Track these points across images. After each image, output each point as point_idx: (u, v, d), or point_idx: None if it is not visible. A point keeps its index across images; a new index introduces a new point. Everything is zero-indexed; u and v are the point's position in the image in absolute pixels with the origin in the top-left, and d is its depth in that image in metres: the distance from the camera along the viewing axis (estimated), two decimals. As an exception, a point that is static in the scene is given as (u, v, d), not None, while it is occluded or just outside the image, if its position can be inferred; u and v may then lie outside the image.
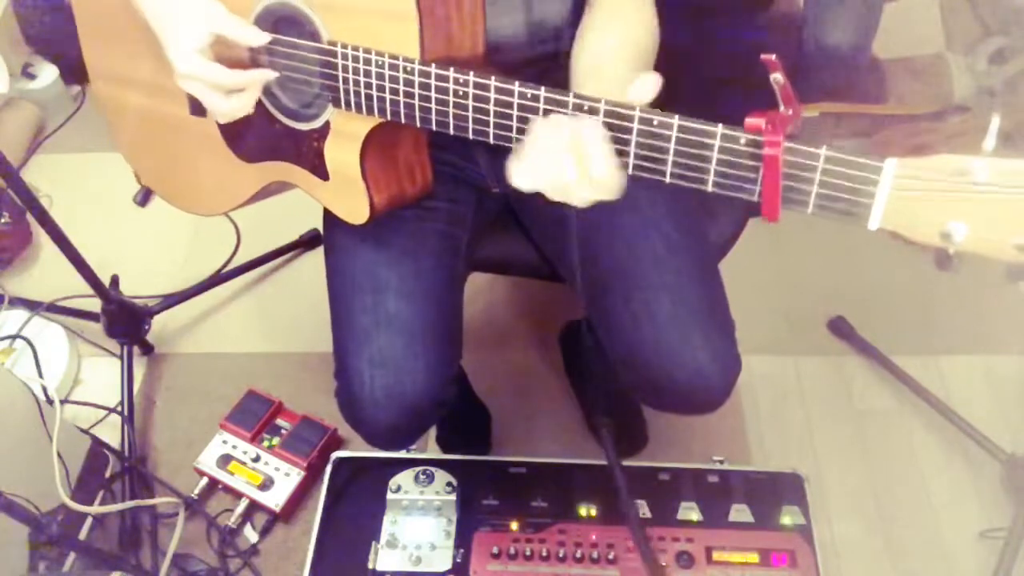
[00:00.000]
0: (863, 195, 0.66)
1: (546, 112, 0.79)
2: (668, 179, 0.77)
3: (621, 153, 0.77)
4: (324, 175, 0.99)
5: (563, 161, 0.75)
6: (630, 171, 0.78)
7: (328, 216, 1.11)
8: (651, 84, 0.76)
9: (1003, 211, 0.61)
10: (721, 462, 1.46)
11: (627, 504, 1.31)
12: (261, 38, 0.93)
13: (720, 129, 0.72)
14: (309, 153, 1.00)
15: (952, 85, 2.02)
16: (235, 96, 0.94)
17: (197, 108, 1.07)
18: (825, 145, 0.67)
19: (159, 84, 0.96)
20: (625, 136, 0.77)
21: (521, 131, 0.82)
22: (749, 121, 0.69)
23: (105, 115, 1.22)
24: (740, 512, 1.39)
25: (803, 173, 0.69)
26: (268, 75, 0.95)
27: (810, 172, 0.68)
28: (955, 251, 0.64)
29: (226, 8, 0.93)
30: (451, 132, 0.87)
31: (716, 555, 1.34)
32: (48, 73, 2.35)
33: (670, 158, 0.75)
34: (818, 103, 2.00)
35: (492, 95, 0.82)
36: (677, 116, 0.74)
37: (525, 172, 0.77)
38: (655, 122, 0.75)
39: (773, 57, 0.68)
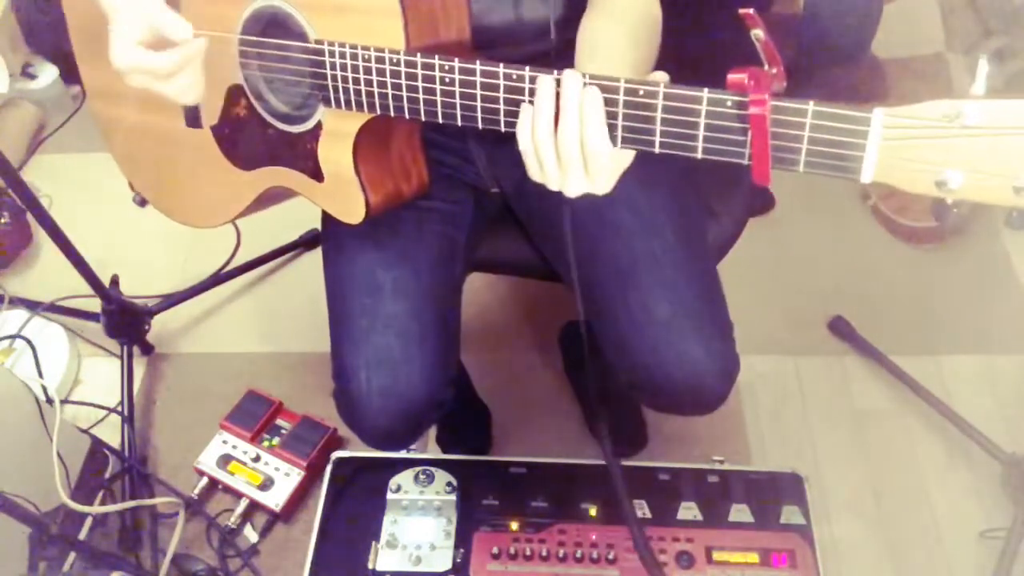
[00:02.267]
0: (854, 147, 0.65)
1: (531, 92, 0.79)
2: (658, 149, 0.76)
3: (610, 126, 0.77)
4: (319, 177, 0.99)
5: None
6: (619, 144, 0.77)
7: (326, 217, 1.11)
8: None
9: (998, 153, 0.58)
10: (721, 462, 1.46)
11: (625, 502, 1.30)
12: (186, 30, 0.89)
13: (706, 93, 0.71)
14: (303, 156, 0.99)
15: (952, 85, 2.02)
16: (178, 77, 0.91)
17: (192, 119, 1.07)
18: (812, 100, 0.66)
19: (153, 98, 0.96)
20: (612, 109, 0.76)
21: (509, 113, 0.81)
22: (731, 77, 0.67)
23: (102, 131, 1.21)
24: (740, 512, 1.39)
25: (791, 131, 0.67)
26: (199, 45, 0.91)
27: (798, 129, 0.67)
28: (953, 200, 0.62)
29: (212, 11, 0.92)
30: (440, 120, 0.86)
31: (716, 555, 1.34)
32: (48, 73, 2.35)
33: (658, 127, 0.75)
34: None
35: (478, 79, 0.82)
36: (662, 83, 0.73)
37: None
38: (641, 91, 0.74)
39: (752, 11, 0.66)
